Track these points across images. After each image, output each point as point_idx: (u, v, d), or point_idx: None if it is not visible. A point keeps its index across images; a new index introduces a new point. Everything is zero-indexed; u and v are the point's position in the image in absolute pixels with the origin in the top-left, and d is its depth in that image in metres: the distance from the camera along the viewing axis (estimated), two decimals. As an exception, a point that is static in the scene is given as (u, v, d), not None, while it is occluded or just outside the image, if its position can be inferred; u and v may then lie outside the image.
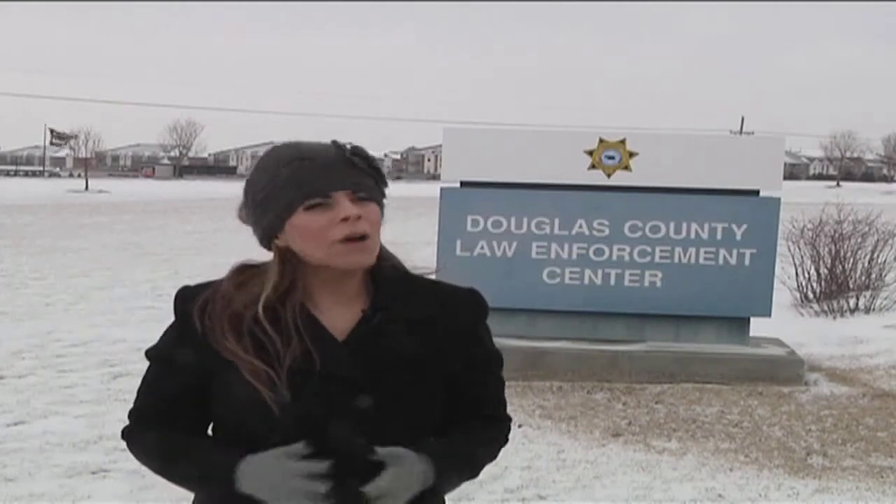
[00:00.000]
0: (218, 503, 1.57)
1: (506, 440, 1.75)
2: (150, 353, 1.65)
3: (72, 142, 68.63)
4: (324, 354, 1.53)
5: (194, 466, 1.56)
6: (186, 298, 1.60)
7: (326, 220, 1.50)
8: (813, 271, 10.15)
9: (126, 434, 1.66)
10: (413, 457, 1.52)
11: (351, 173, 1.53)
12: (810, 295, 10.13)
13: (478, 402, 1.69)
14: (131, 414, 1.66)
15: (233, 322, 1.54)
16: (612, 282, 7.36)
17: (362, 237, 1.51)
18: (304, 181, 1.51)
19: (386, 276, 1.61)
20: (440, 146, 7.97)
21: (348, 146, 1.56)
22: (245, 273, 1.59)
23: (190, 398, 1.58)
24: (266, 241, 1.58)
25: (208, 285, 1.61)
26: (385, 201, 1.59)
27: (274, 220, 1.54)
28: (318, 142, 1.58)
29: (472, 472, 1.68)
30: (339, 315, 1.58)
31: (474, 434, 1.67)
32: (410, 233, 15.53)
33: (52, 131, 69.38)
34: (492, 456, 1.73)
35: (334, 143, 1.57)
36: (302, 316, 1.55)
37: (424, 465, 1.53)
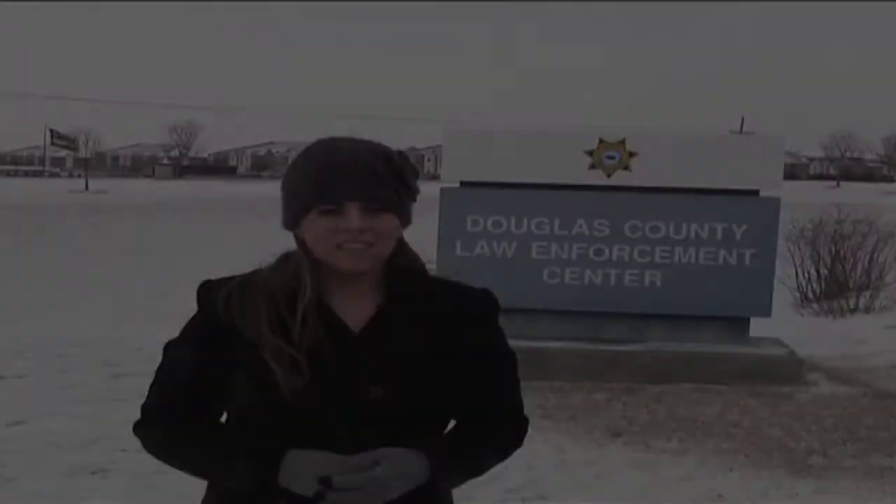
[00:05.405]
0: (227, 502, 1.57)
1: (519, 442, 1.74)
2: (168, 346, 1.66)
3: (76, 142, 68.65)
4: (338, 344, 1.56)
5: (227, 465, 1.56)
6: (210, 291, 1.62)
7: (333, 227, 1.54)
8: (813, 271, 10.16)
9: (137, 427, 1.66)
10: (411, 457, 1.53)
11: (371, 182, 1.55)
12: (810, 295, 10.14)
13: (490, 401, 1.70)
14: (144, 407, 1.66)
15: (272, 303, 1.57)
16: (612, 282, 7.36)
17: (367, 245, 1.54)
18: (322, 185, 1.54)
19: (402, 273, 1.64)
20: (440, 146, 7.97)
21: (382, 153, 1.57)
22: (285, 258, 1.63)
23: (204, 391, 1.60)
24: (289, 229, 1.62)
25: (231, 279, 1.64)
26: (410, 208, 1.62)
27: (293, 217, 1.59)
28: (360, 140, 1.61)
29: (475, 473, 1.70)
30: (355, 309, 1.60)
31: (481, 434, 1.68)
32: (410, 233, 15.52)
33: (52, 132, 69.29)
34: (500, 457, 1.73)
35: (372, 146, 1.59)
36: (317, 308, 1.57)
37: (418, 464, 1.54)
